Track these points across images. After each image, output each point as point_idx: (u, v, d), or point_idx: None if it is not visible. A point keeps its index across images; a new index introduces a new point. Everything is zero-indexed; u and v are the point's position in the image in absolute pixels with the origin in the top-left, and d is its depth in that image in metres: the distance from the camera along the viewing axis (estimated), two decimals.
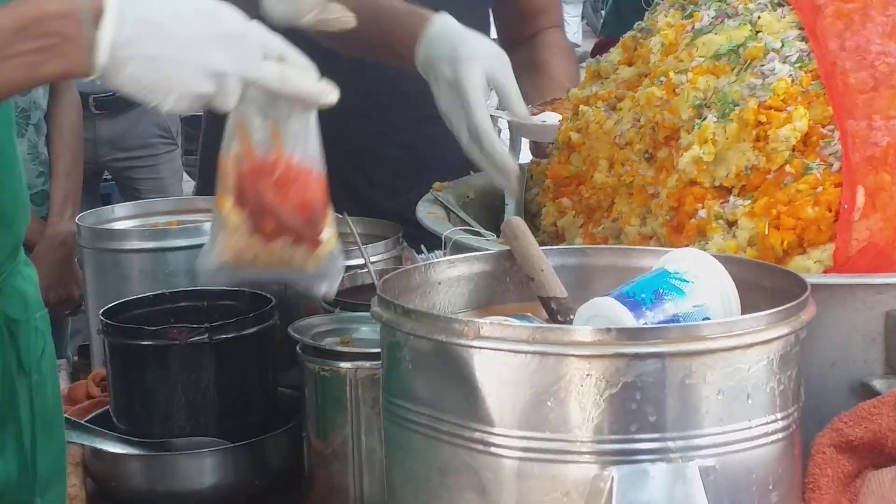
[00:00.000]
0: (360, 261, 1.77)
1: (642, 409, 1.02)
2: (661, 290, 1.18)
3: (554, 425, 1.03)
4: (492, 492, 1.06)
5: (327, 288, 1.36)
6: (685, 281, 1.19)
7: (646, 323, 1.15)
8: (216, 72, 1.22)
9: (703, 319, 1.16)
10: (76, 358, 2.19)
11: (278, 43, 1.27)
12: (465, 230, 1.60)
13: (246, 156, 1.30)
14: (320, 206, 1.32)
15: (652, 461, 1.02)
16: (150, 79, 1.21)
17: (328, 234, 1.32)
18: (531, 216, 1.79)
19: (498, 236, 1.55)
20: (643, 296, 1.17)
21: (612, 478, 1.02)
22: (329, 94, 1.28)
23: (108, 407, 1.71)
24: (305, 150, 1.31)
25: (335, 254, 1.34)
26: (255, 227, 1.31)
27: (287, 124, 1.30)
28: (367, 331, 1.52)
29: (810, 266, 1.34)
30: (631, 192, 1.56)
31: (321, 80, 1.28)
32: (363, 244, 1.76)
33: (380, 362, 1.37)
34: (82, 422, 1.65)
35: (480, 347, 1.05)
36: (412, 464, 1.12)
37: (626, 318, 1.15)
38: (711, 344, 1.03)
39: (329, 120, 1.31)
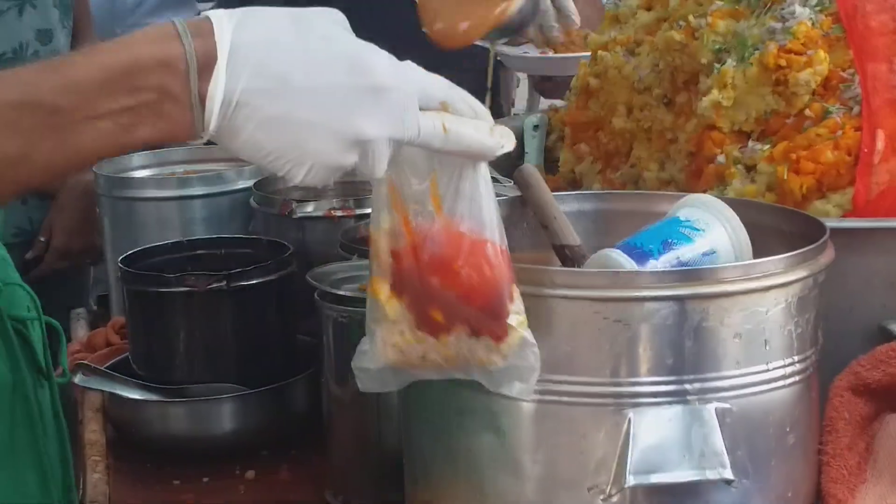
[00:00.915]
0: None
1: (660, 351, 1.03)
2: (670, 240, 1.18)
3: (571, 368, 1.04)
4: (509, 434, 1.06)
5: (521, 389, 1.03)
6: (695, 229, 1.18)
7: None
8: (362, 139, 0.95)
9: None
10: (96, 307, 2.20)
11: (439, 86, 0.99)
12: None
13: (402, 229, 1.04)
14: (503, 285, 1.02)
15: (669, 404, 1.03)
16: (274, 145, 0.94)
17: (516, 319, 1.02)
18: (551, 163, 1.79)
19: None
20: (651, 246, 1.17)
21: (629, 420, 1.02)
22: (505, 144, 1.01)
23: (127, 354, 1.72)
24: (477, 214, 1.02)
25: (527, 341, 1.02)
26: (420, 319, 1.04)
27: (451, 184, 1.02)
28: None
29: (829, 210, 1.33)
30: (649, 137, 1.55)
31: (495, 128, 1.01)
32: None
33: None
34: (102, 368, 1.66)
35: None
36: (430, 407, 1.13)
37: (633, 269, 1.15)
38: (729, 287, 1.03)
39: None
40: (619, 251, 1.16)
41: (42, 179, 0.97)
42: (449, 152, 1.00)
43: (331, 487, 1.54)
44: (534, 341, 1.02)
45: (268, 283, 1.65)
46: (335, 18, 0.99)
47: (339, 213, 1.81)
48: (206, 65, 0.93)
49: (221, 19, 0.94)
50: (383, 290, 1.05)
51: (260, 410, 1.63)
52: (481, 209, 1.02)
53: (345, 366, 1.49)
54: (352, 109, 0.94)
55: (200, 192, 1.91)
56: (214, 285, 1.61)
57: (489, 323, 1.02)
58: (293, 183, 0.97)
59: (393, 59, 0.97)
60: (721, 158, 1.42)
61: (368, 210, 1.80)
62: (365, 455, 1.50)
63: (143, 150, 0.88)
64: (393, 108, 0.95)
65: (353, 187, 1.97)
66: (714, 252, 1.17)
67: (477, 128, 0.99)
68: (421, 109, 0.97)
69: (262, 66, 0.93)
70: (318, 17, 0.97)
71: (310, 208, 1.83)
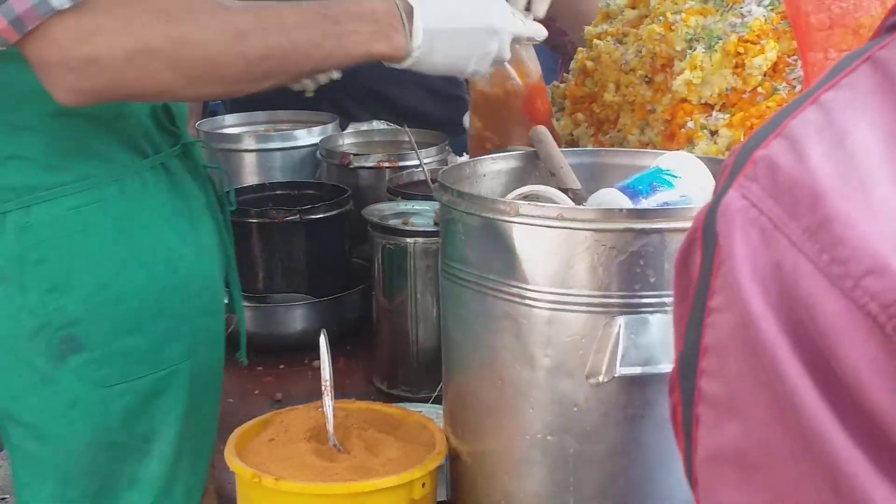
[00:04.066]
0: (416, 162, 1.76)
1: (645, 272, 1.01)
2: (655, 183, 1.16)
3: (575, 283, 1.03)
4: (526, 334, 1.06)
5: None
6: (674, 176, 1.17)
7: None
8: (496, 29, 1.23)
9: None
10: None
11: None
12: None
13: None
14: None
15: (651, 312, 1.02)
16: (458, 51, 1.21)
17: None
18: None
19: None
20: (640, 187, 1.16)
21: (620, 325, 1.01)
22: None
23: None
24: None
25: None
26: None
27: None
28: (421, 215, 1.52)
29: None
30: (633, 108, 1.53)
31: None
32: (418, 149, 1.74)
33: (433, 238, 1.37)
34: None
35: (520, 223, 1.04)
36: (463, 312, 1.12)
37: (626, 205, 1.14)
38: None
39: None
40: (617, 190, 1.15)
41: (321, 67, 1.18)
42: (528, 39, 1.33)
43: (377, 375, 1.54)
44: None
45: (331, 217, 1.65)
46: None
47: (386, 165, 1.81)
48: (408, 13, 1.18)
49: None
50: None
51: (324, 314, 1.63)
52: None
53: (391, 282, 1.50)
54: (488, 14, 1.23)
55: (279, 146, 1.90)
56: (289, 218, 1.62)
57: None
58: (466, 74, 1.24)
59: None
60: (691, 125, 1.41)
61: (409, 163, 1.80)
62: (405, 351, 1.50)
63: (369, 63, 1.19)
64: (503, 11, 1.25)
65: (395, 146, 1.95)
66: (688, 196, 1.16)
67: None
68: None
69: (438, 9, 1.19)
70: None
71: (363, 160, 1.82)
